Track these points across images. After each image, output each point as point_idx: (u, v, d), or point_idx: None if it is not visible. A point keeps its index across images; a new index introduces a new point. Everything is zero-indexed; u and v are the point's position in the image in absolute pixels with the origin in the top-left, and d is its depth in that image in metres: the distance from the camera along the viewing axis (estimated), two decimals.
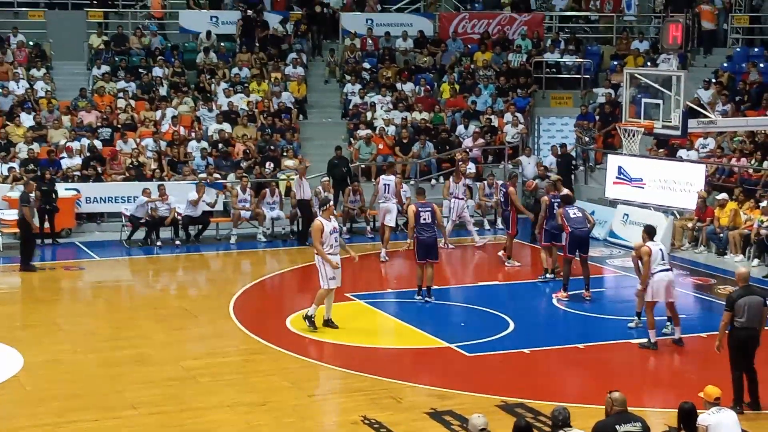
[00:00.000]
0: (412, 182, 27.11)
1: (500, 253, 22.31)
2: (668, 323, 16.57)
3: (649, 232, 16.47)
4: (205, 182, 24.84)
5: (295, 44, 32.28)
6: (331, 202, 17.80)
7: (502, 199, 22.62)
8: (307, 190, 24.05)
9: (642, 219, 23.12)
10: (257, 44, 31.85)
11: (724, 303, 13.51)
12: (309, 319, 16.68)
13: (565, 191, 20.78)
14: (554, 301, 18.93)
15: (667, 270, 16.07)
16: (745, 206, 23.04)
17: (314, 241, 16.55)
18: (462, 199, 24.24)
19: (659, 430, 11.89)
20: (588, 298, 18.81)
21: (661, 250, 16.15)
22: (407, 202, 23.67)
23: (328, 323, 16.87)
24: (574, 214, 19.01)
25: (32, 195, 21.66)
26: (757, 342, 13.27)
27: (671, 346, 16.24)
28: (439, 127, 29.34)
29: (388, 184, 23.40)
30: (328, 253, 16.50)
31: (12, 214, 23.26)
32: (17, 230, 22.17)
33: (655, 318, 16.00)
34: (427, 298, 18.66)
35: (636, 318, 16.83)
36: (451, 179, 25.70)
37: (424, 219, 18.57)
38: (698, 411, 10.54)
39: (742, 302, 13.14)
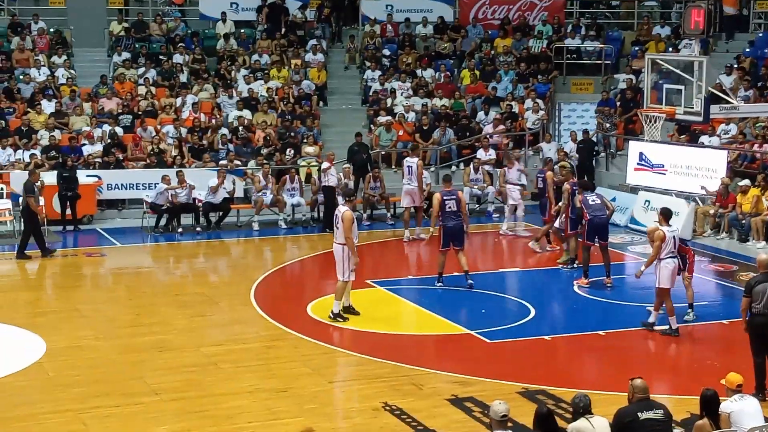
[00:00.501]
0: (432, 168, 27.10)
1: (531, 244, 22.03)
2: (689, 310, 16.54)
3: (666, 215, 16.37)
4: (225, 169, 24.87)
5: (315, 30, 32.25)
6: (355, 194, 17.80)
7: (541, 185, 22.35)
8: (333, 178, 24.07)
9: (663, 205, 22.98)
10: (284, 30, 31.81)
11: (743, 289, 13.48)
12: (336, 316, 16.64)
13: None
14: (575, 287, 18.88)
15: (674, 257, 16.00)
16: None
17: (346, 232, 16.38)
18: (519, 185, 23.89)
19: (681, 417, 11.84)
20: (609, 284, 18.75)
21: (674, 236, 16.07)
22: (427, 188, 23.65)
23: (349, 310, 16.87)
24: (593, 201, 18.94)
25: (37, 184, 21.67)
26: None
27: (694, 331, 16.20)
28: (459, 113, 29.28)
29: (411, 166, 23.38)
30: None
31: None
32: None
33: (674, 305, 15.96)
34: (469, 281, 18.52)
35: (690, 310, 16.69)
36: (471, 167, 25.79)
37: (450, 207, 18.51)
38: (720, 398, 10.50)
39: (760, 288, 13.08)
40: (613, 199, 23.98)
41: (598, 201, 19.00)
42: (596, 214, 18.80)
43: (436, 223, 18.94)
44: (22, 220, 21.88)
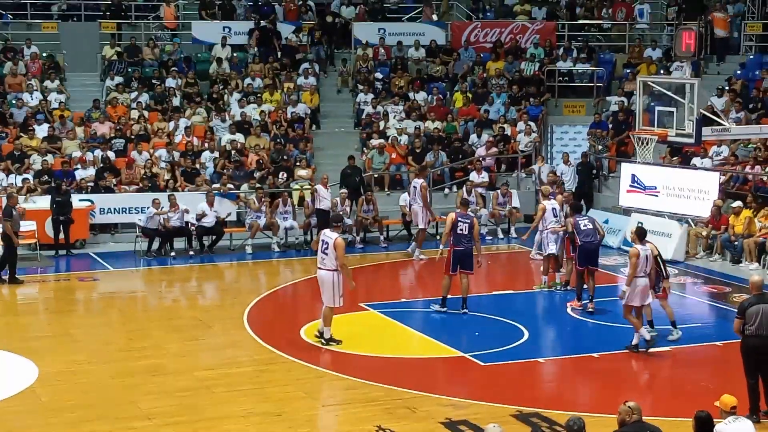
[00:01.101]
0: None
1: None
2: (672, 329, 16.59)
3: (640, 234, 16.46)
4: (217, 193, 24.89)
5: (308, 54, 32.34)
6: (343, 220, 17.69)
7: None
8: (326, 201, 24.07)
9: (656, 227, 23.08)
10: (277, 53, 31.89)
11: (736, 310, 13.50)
12: (329, 341, 16.56)
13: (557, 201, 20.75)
14: (569, 310, 18.87)
15: (644, 276, 16.09)
16: (760, 214, 22.98)
17: (341, 260, 16.28)
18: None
19: None
20: (591, 310, 18.64)
21: (647, 256, 16.13)
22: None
23: (323, 335, 16.71)
24: (585, 225, 18.86)
25: (15, 208, 21.63)
26: None
27: (688, 353, 16.21)
28: (452, 136, 29.33)
29: (416, 187, 23.47)
30: None
31: (27, 225, 23.32)
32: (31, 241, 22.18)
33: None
34: (464, 310, 18.40)
35: (672, 329, 16.77)
36: (464, 189, 25.80)
37: (461, 230, 18.34)
38: (715, 420, 10.49)
39: (754, 310, 13.10)
40: (606, 221, 24.08)
41: (590, 225, 18.95)
42: (587, 239, 18.75)
43: (445, 245, 18.79)
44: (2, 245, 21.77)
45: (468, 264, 18.45)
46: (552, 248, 20.21)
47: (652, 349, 16.18)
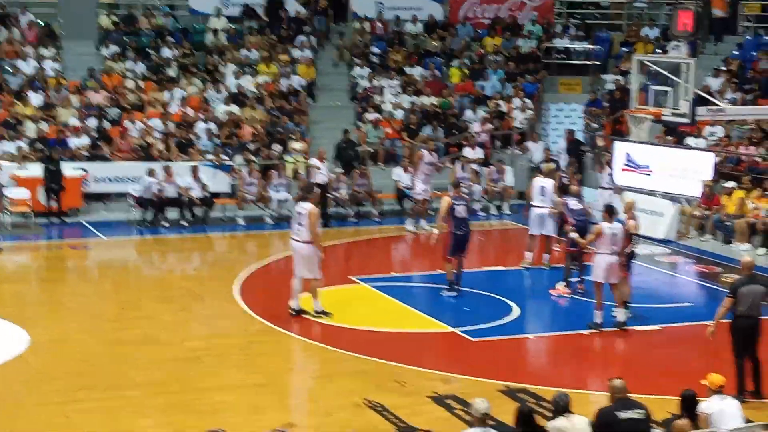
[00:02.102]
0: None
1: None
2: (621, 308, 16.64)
3: (609, 211, 16.53)
4: (211, 164, 24.90)
5: (306, 26, 32.25)
6: (317, 190, 17.50)
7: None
8: (322, 175, 24.08)
9: (648, 206, 23.12)
10: (283, 25, 31.79)
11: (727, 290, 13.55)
12: (320, 314, 16.58)
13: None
14: (554, 295, 18.74)
15: (610, 254, 16.10)
16: (753, 194, 23.02)
17: (313, 228, 16.18)
18: (609, 188, 23.42)
19: (661, 417, 11.90)
20: (582, 290, 18.51)
21: (614, 233, 16.15)
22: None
23: (302, 312, 16.68)
24: (574, 205, 18.83)
25: None
26: (758, 331, 13.29)
27: (676, 332, 16.29)
28: (447, 111, 29.31)
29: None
30: None
31: (20, 193, 23.36)
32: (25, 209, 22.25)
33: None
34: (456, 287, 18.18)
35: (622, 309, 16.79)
36: (458, 165, 25.79)
37: (458, 213, 17.97)
38: (701, 399, 10.56)
39: (745, 290, 13.16)
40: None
41: (580, 206, 18.90)
42: (580, 219, 18.68)
43: (441, 225, 18.36)
44: None
45: (466, 248, 18.24)
46: (536, 229, 20.10)
47: (640, 327, 16.27)
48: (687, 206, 23.93)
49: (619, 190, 23.45)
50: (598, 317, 16.22)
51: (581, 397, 12.01)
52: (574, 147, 27.49)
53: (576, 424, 9.79)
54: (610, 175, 23.97)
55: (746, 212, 22.68)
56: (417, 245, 23.03)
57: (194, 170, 24.43)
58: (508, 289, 18.84)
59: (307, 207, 16.22)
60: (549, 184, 20.17)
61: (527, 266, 20.38)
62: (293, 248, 16.53)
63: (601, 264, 16.19)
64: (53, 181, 23.77)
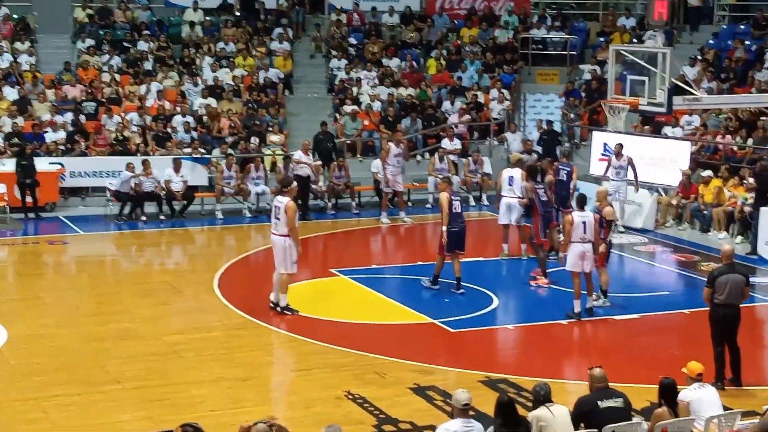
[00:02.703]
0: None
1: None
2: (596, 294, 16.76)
3: (579, 201, 16.63)
4: (188, 158, 24.80)
5: (282, 19, 32.17)
6: (294, 184, 17.41)
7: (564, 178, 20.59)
8: (306, 168, 24.02)
9: (626, 196, 23.16)
10: (260, 17, 31.67)
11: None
12: (285, 309, 16.42)
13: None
14: (533, 285, 18.66)
15: (580, 242, 16.16)
16: (730, 183, 23.10)
17: (291, 223, 16.01)
18: (620, 181, 22.88)
19: (641, 405, 11.94)
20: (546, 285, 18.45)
21: (584, 222, 16.21)
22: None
23: (288, 308, 16.53)
24: (543, 196, 18.89)
25: None
26: (737, 319, 13.34)
27: (655, 321, 16.35)
28: (425, 103, 29.30)
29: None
30: None
31: None
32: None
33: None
34: (457, 290, 17.76)
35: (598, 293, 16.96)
36: (435, 156, 25.80)
37: (456, 208, 17.78)
38: (680, 387, 10.59)
39: (724, 279, 13.20)
40: (578, 190, 24.09)
41: (545, 197, 18.98)
42: (547, 209, 18.82)
43: (447, 222, 17.78)
44: None
45: (462, 244, 18.01)
46: (505, 219, 20.14)
47: (619, 317, 16.33)
48: (664, 196, 24.00)
49: (636, 184, 22.96)
50: (576, 306, 16.25)
51: (561, 386, 12.05)
52: (550, 137, 27.51)
53: (557, 413, 9.80)
54: (621, 167, 23.04)
55: (723, 201, 22.77)
56: (396, 237, 23.02)
57: (176, 163, 24.29)
58: (486, 280, 18.84)
59: (284, 201, 16.15)
60: (517, 173, 20.04)
61: (504, 257, 20.37)
62: (272, 242, 16.49)
63: (576, 253, 16.22)
64: (26, 177, 23.60)
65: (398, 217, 23.85)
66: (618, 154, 22.99)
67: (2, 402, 12.74)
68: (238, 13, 31.88)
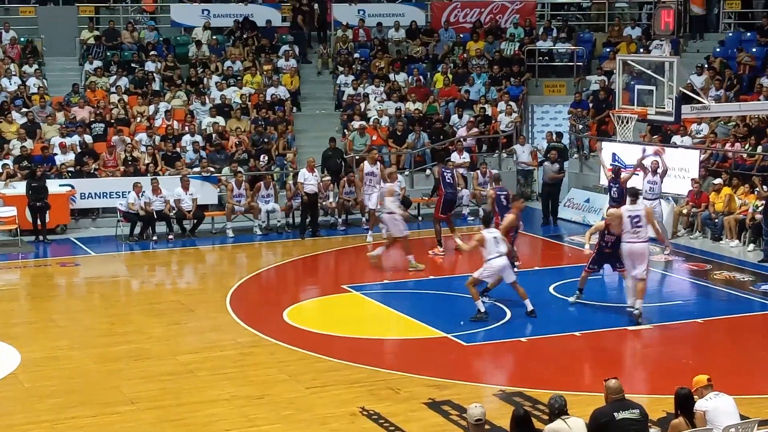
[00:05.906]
0: (406, 172, 27.16)
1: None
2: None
3: (484, 220, 17.61)
4: (198, 177, 24.84)
5: (287, 36, 32.25)
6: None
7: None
8: (313, 185, 24.03)
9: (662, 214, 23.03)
10: (266, 37, 31.79)
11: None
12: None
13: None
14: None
15: (500, 256, 16.83)
16: (740, 191, 23.06)
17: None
18: (654, 198, 22.20)
19: (657, 416, 11.90)
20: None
21: (494, 237, 16.88)
22: (401, 191, 23.79)
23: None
24: (450, 179, 21.12)
25: None
26: None
27: (669, 331, 16.31)
28: (432, 117, 29.31)
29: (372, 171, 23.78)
30: None
31: (7, 211, 23.26)
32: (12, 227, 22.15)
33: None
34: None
35: (577, 293, 17.65)
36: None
37: (448, 179, 19.81)
38: (695, 397, 10.53)
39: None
40: (587, 200, 24.14)
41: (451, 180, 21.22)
42: (449, 190, 21.03)
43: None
44: None
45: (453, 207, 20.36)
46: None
47: (633, 327, 16.30)
48: (675, 204, 23.95)
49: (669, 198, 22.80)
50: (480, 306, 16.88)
51: (577, 398, 11.99)
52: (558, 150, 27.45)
53: (573, 426, 9.76)
54: (655, 183, 22.45)
55: (734, 209, 22.73)
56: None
57: (184, 182, 24.31)
58: (499, 293, 18.77)
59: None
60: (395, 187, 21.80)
61: (517, 270, 20.34)
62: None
63: (494, 267, 16.90)
64: (37, 199, 23.64)
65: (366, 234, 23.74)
66: (654, 171, 22.40)
67: (17, 425, 12.74)
68: (245, 32, 31.89)
